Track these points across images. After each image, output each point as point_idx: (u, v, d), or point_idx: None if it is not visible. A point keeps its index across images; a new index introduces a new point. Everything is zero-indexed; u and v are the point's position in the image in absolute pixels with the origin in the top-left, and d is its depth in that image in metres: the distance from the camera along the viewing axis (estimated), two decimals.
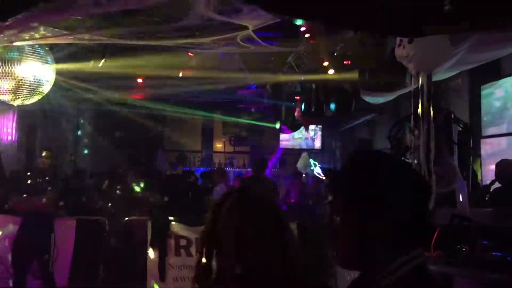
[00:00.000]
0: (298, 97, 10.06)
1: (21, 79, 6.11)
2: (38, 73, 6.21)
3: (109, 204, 7.66)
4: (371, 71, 6.25)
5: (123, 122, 11.81)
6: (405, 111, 6.75)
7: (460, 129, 6.34)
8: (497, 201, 5.62)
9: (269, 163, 12.89)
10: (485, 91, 8.06)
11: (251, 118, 13.29)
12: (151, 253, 6.89)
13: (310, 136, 15.07)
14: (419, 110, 4.97)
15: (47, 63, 6.32)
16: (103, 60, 7.07)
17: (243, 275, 1.69)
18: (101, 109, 11.05)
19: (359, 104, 8.79)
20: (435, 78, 5.46)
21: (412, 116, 5.14)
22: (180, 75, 8.24)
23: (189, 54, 7.47)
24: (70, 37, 5.85)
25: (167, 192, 7.74)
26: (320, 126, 14.74)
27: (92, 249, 6.97)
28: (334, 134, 14.56)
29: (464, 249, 4.14)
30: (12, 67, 6.02)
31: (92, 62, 7.25)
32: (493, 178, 6.19)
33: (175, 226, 6.96)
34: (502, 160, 6.08)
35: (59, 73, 6.82)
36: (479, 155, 8.03)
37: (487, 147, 8.03)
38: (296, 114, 10.16)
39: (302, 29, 5.87)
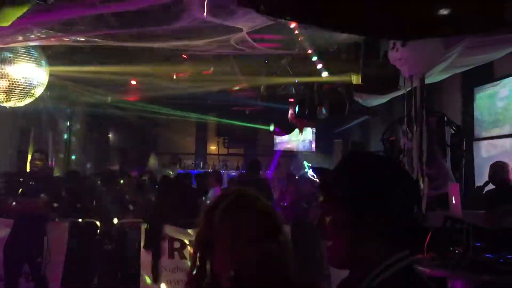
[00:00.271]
0: (292, 100, 10.08)
1: (15, 80, 6.07)
2: (31, 75, 6.19)
3: (102, 207, 7.63)
4: (365, 73, 6.27)
5: (116, 124, 11.80)
6: (398, 113, 6.78)
7: (453, 131, 6.37)
8: (490, 203, 5.65)
9: (268, 165, 12.94)
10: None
11: (245, 121, 13.30)
12: (144, 256, 6.87)
13: (309, 138, 15.12)
14: (412, 113, 5.00)
15: (41, 65, 6.29)
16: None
17: (236, 278, 1.69)
18: (94, 111, 11.02)
19: (353, 106, 8.81)
20: (428, 80, 5.49)
21: (405, 119, 5.17)
22: (174, 77, 8.23)
23: (183, 56, 7.47)
24: (65, 38, 5.83)
25: (161, 194, 7.72)
26: (315, 129, 14.79)
27: (85, 252, 6.95)
28: (328, 136, 14.60)
29: (457, 251, 4.16)
30: (5, 68, 5.99)
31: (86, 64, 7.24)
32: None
33: (168, 228, 6.94)
34: (496, 162, 6.13)
35: (52, 74, 6.79)
36: (472, 157, 8.06)
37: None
38: (289, 116, 10.18)
39: (296, 32, 5.88)
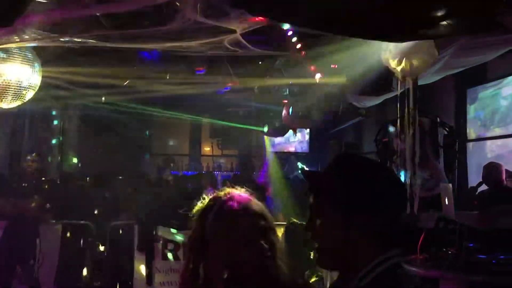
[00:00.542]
0: (285, 101, 10.08)
1: (8, 82, 6.01)
2: (24, 76, 6.12)
3: (96, 209, 7.60)
4: (358, 75, 6.29)
5: (109, 125, 11.75)
6: (391, 115, 6.80)
7: (446, 132, 6.40)
8: (483, 204, 5.68)
9: (261, 166, 12.94)
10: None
11: (239, 122, 13.28)
12: (138, 257, 6.85)
13: (304, 140, 15.13)
14: (405, 114, 5.01)
15: (34, 67, 6.22)
16: None
17: (230, 279, 1.69)
18: (87, 112, 10.98)
19: (347, 107, 8.82)
20: (421, 82, 5.51)
21: (398, 120, 5.19)
22: (168, 77, 8.21)
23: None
24: (61, 39, 5.79)
25: (155, 196, 7.71)
26: (309, 130, 14.79)
27: (79, 254, 6.92)
28: (323, 137, 14.61)
29: (450, 252, 4.17)
30: None
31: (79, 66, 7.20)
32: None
33: (162, 230, 6.93)
34: (490, 163, 6.16)
35: (45, 75, 6.75)
36: (465, 158, 8.09)
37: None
38: (283, 117, 10.18)
39: (289, 33, 5.88)
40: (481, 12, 3.15)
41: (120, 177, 8.82)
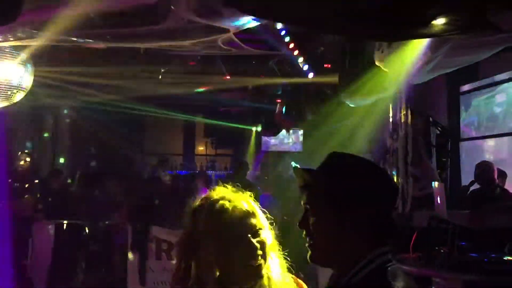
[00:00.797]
0: (279, 100, 10.10)
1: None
2: (15, 76, 6.03)
3: (88, 209, 7.57)
4: (351, 74, 6.30)
5: (101, 124, 11.69)
6: (384, 114, 6.82)
7: (438, 132, 6.42)
8: (475, 203, 5.70)
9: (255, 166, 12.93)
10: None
11: (233, 121, 13.28)
12: (131, 257, 6.84)
13: (298, 139, 15.13)
14: (398, 114, 5.03)
15: (26, 68, 6.14)
16: None
17: (221, 278, 1.69)
18: (79, 111, 10.93)
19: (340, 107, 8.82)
20: (413, 81, 5.52)
21: (391, 119, 5.20)
22: (160, 77, 8.20)
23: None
24: (54, 38, 5.76)
25: (148, 195, 7.69)
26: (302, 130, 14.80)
27: (72, 254, 6.89)
28: (315, 137, 14.61)
29: (442, 251, 4.20)
30: None
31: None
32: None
33: (156, 229, 6.91)
34: (482, 162, 6.18)
35: (37, 74, 6.70)
36: (458, 157, 8.11)
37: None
38: (277, 117, 10.19)
39: (282, 32, 5.89)
40: (472, 11, 3.17)
41: (113, 176, 8.77)
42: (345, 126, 12.46)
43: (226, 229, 1.70)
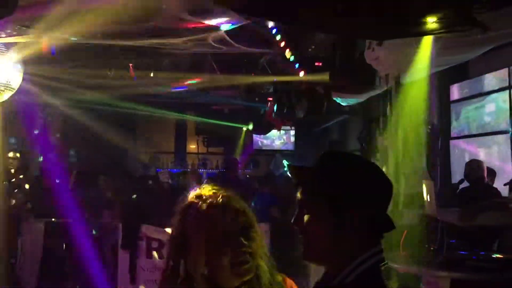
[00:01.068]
0: (270, 98, 10.09)
1: None
2: (3, 75, 5.95)
3: (79, 207, 7.52)
4: (342, 72, 6.31)
5: (93, 122, 11.62)
6: (376, 112, 6.84)
7: (429, 130, 6.45)
8: (464, 200, 5.74)
9: (239, 163, 12.93)
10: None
11: (224, 119, 13.26)
12: (122, 256, 6.81)
13: (289, 138, 15.17)
14: (388, 112, 5.05)
15: (15, 66, 6.06)
16: None
17: (210, 276, 1.69)
18: (71, 109, 10.84)
19: (332, 105, 8.84)
20: (404, 80, 5.55)
21: (381, 118, 5.22)
22: (151, 75, 8.17)
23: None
24: (44, 36, 5.72)
25: (139, 193, 7.66)
26: (293, 128, 14.83)
27: (62, 253, 6.85)
28: (307, 135, 14.66)
29: (431, 249, 4.22)
30: None
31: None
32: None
33: (147, 228, 6.89)
34: (472, 160, 6.23)
35: (27, 73, 6.65)
36: (449, 156, 8.16)
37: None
38: (268, 115, 10.19)
39: (274, 31, 5.89)
40: (458, 10, 3.19)
41: (104, 175, 8.74)
42: (336, 124, 12.55)
43: (215, 228, 1.70)
